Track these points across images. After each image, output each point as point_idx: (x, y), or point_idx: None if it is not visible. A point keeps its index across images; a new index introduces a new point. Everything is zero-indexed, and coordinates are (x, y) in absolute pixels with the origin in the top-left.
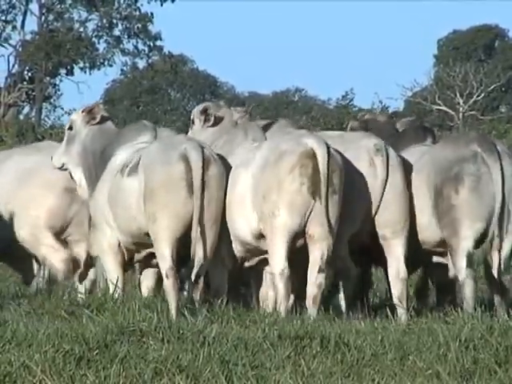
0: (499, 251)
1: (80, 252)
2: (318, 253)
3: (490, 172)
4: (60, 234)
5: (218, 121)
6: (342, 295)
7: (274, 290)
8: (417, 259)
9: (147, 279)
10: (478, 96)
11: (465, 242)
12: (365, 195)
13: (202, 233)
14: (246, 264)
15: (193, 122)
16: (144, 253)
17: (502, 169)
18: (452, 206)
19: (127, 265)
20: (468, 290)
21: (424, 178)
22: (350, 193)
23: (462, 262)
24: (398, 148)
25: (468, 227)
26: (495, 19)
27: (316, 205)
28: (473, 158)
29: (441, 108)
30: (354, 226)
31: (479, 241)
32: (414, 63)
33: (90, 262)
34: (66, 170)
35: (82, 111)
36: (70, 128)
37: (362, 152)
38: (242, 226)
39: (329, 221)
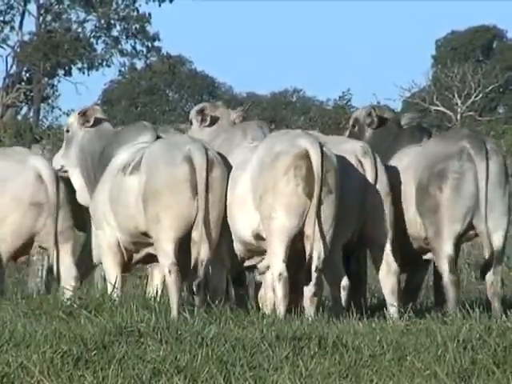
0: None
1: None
2: (314, 252)
3: (476, 169)
4: (30, 245)
5: (214, 121)
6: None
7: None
8: (408, 258)
9: (158, 274)
10: (475, 97)
11: (445, 245)
12: (356, 197)
13: (205, 233)
14: (246, 263)
15: (191, 123)
16: (143, 253)
17: (487, 167)
18: (437, 205)
19: (126, 265)
20: (450, 295)
21: (411, 174)
22: (343, 195)
23: (445, 265)
24: (394, 149)
25: (447, 229)
26: (493, 20)
27: (312, 205)
28: (458, 154)
29: (439, 109)
30: (348, 229)
31: (460, 239)
32: (411, 64)
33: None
34: (65, 172)
35: (78, 113)
36: (68, 130)
37: (348, 154)
38: (244, 226)
39: (325, 220)
